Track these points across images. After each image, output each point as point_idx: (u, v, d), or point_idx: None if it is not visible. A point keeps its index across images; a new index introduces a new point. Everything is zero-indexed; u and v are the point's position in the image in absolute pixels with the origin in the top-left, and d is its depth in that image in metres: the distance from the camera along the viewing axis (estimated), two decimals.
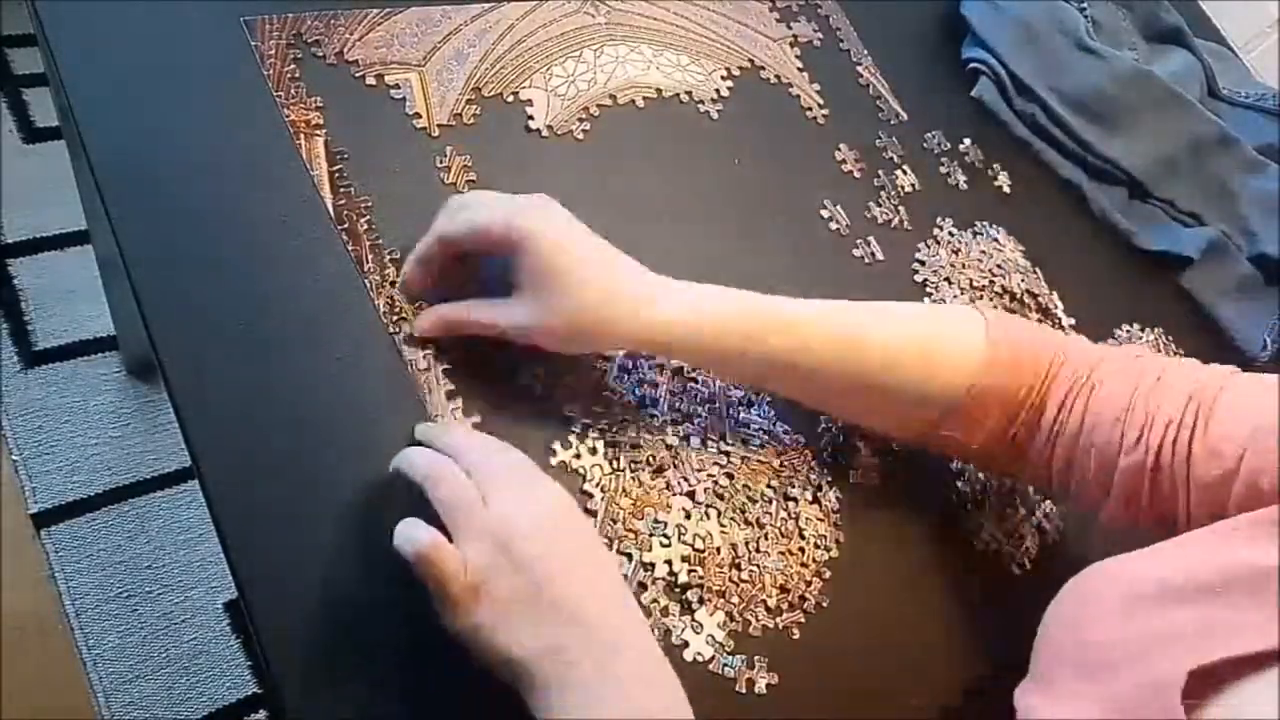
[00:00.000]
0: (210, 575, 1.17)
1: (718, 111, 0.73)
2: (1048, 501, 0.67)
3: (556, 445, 0.55)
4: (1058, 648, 0.46)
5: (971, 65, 0.88)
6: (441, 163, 0.61)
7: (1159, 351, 0.79)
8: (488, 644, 0.43)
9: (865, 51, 0.83)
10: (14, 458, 1.16)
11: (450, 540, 0.44)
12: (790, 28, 0.81)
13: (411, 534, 0.43)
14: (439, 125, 0.62)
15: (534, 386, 0.56)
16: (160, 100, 0.56)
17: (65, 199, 0.99)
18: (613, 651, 0.43)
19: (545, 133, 0.65)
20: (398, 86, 0.62)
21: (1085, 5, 0.90)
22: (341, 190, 0.57)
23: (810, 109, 0.77)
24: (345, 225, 0.56)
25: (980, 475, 0.65)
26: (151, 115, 0.55)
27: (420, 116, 0.62)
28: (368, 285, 0.55)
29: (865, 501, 0.61)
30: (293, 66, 0.60)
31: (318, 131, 0.58)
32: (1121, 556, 0.46)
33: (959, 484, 0.65)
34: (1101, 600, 0.45)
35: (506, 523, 0.44)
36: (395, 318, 0.54)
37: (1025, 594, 0.51)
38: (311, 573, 0.48)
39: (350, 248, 0.56)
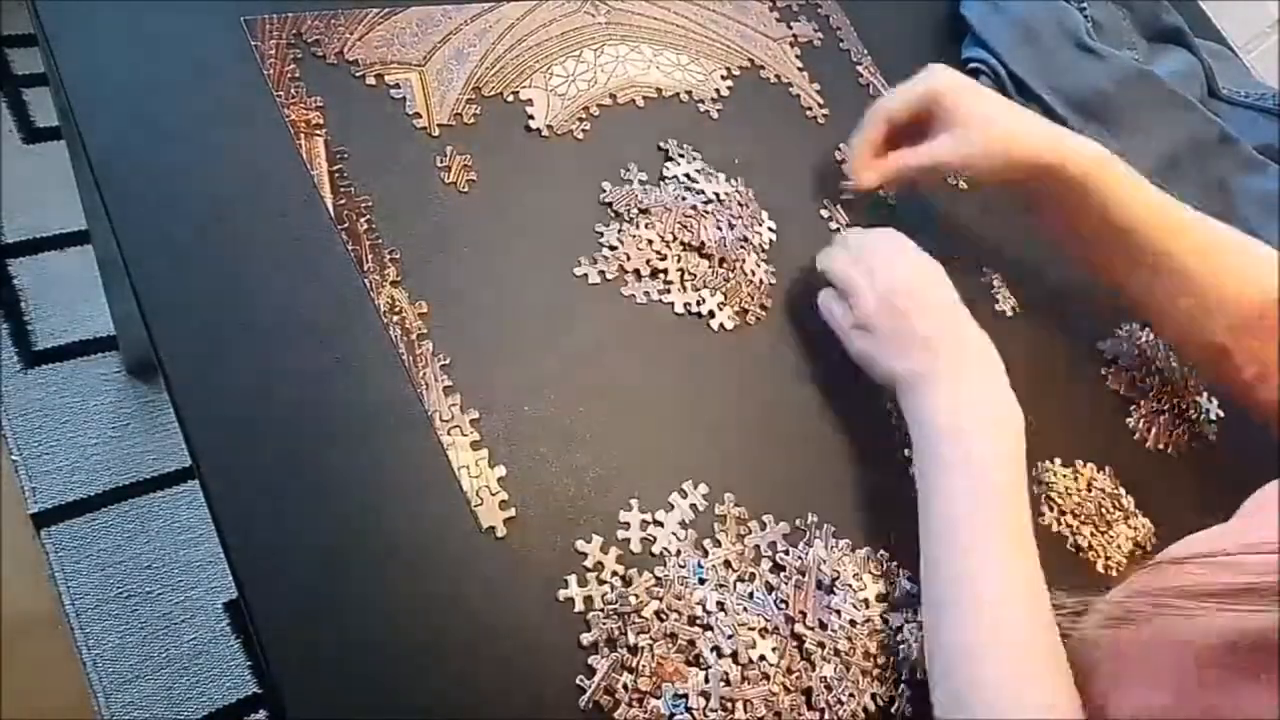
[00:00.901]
0: (210, 575, 1.17)
1: (718, 111, 0.73)
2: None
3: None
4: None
5: (971, 65, 0.88)
6: (442, 162, 0.61)
7: (1159, 351, 0.79)
8: (873, 364, 0.60)
9: (865, 51, 0.83)
10: (14, 458, 1.16)
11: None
12: (790, 27, 0.81)
13: (827, 302, 0.63)
14: (439, 125, 0.62)
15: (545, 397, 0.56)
16: (160, 100, 0.56)
17: (65, 199, 0.99)
18: (958, 368, 0.58)
19: (545, 132, 0.65)
20: (398, 86, 0.62)
21: (1085, 5, 0.90)
22: (341, 190, 0.57)
23: (810, 109, 0.77)
24: (345, 225, 0.56)
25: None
26: (151, 115, 0.56)
27: (420, 116, 0.62)
28: (368, 285, 0.55)
29: None
30: (293, 66, 0.60)
31: (318, 131, 0.58)
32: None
33: None
34: None
35: (882, 283, 0.60)
36: (395, 316, 0.54)
37: None
38: (311, 573, 0.48)
39: (350, 247, 0.56)
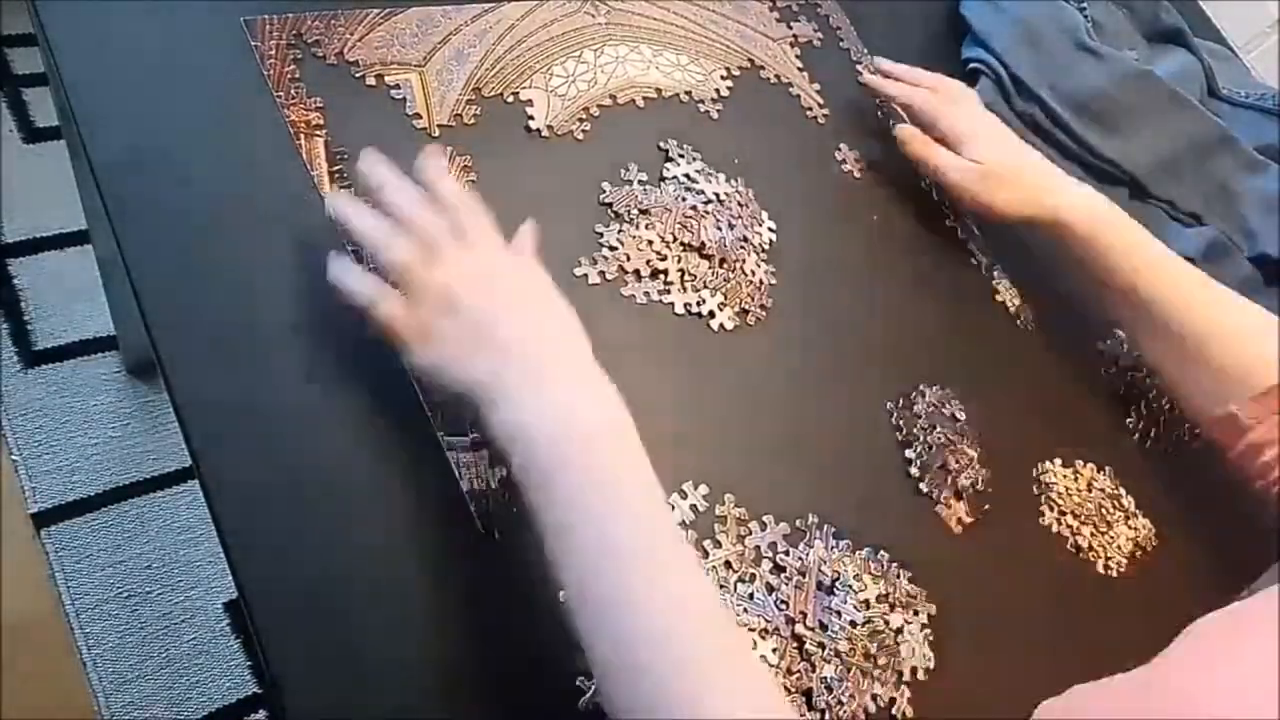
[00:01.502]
0: (210, 575, 1.17)
1: (718, 111, 0.73)
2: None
3: None
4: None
5: (971, 65, 0.88)
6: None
7: None
8: (438, 381, 0.48)
9: (865, 50, 0.83)
10: (14, 458, 1.16)
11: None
12: (790, 27, 0.81)
13: (351, 283, 0.49)
14: (439, 125, 0.62)
15: None
16: (160, 100, 0.56)
17: (65, 199, 0.99)
18: (541, 372, 0.46)
19: (545, 133, 0.65)
20: (398, 87, 0.62)
21: (1085, 5, 0.90)
22: (342, 190, 0.57)
23: (810, 109, 0.77)
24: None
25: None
26: (151, 115, 0.55)
27: (421, 117, 0.62)
28: None
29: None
30: (293, 67, 0.60)
31: (318, 132, 0.58)
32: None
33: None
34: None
35: (449, 277, 0.48)
36: None
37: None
38: (311, 573, 0.48)
39: (349, 247, 0.55)
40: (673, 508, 0.56)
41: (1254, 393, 0.62)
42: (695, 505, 0.56)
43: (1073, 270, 0.70)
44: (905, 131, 0.75)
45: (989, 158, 0.71)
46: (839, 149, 0.76)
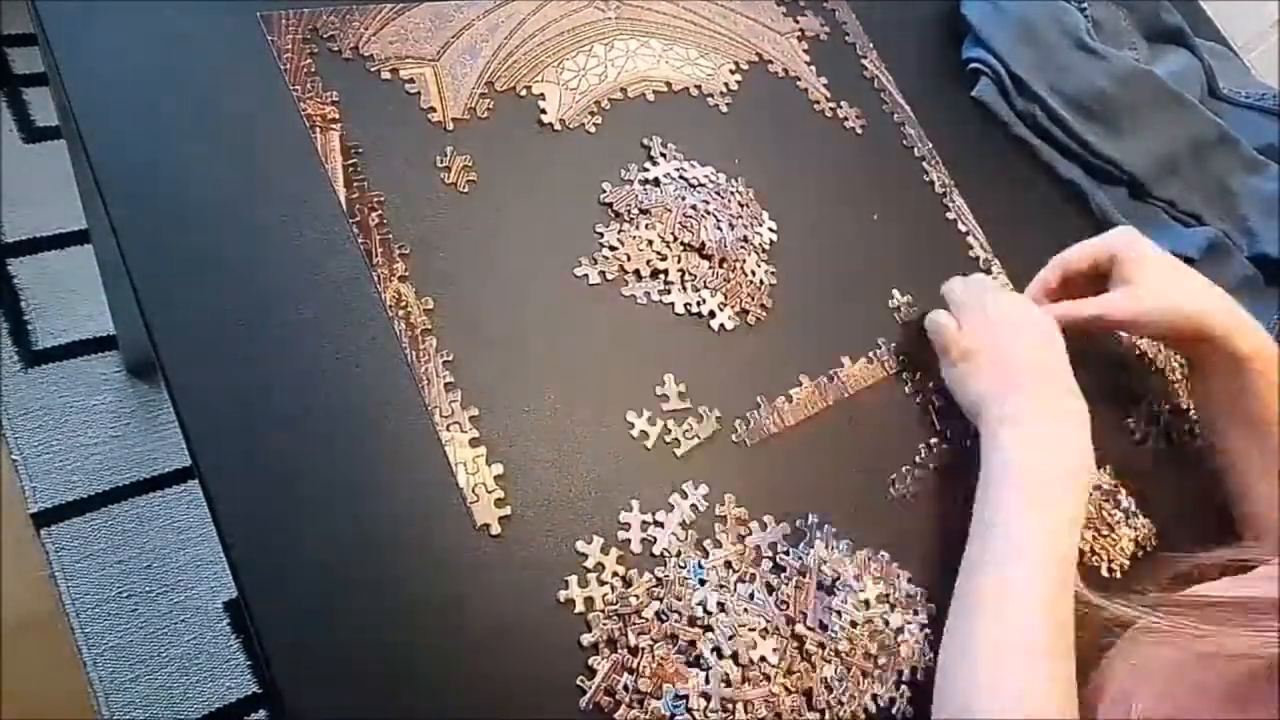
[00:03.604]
0: (210, 575, 1.17)
1: (727, 105, 0.73)
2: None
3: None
4: None
5: (972, 65, 0.88)
6: (441, 162, 0.61)
7: (1159, 351, 0.79)
8: (963, 386, 0.63)
9: (871, 45, 0.83)
10: (14, 458, 1.16)
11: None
12: (797, 21, 0.82)
13: (937, 318, 0.66)
14: (453, 119, 0.63)
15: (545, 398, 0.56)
16: (162, 98, 0.56)
17: (65, 199, 0.99)
18: (1048, 413, 0.59)
19: (558, 126, 0.66)
20: (412, 81, 0.63)
21: (1085, 5, 0.90)
22: (355, 184, 0.57)
23: (818, 102, 0.78)
24: (357, 219, 0.56)
25: None
26: (153, 114, 0.55)
27: (435, 111, 0.62)
28: (376, 279, 0.55)
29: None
30: (309, 61, 0.60)
31: (333, 125, 0.59)
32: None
33: None
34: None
35: (997, 318, 0.64)
36: (401, 311, 0.55)
37: None
38: (311, 573, 0.48)
39: (360, 241, 0.56)
40: (672, 507, 0.56)
41: None
42: (695, 505, 0.56)
43: (1216, 389, 0.69)
44: (1062, 308, 0.70)
45: (1155, 289, 0.68)
46: (842, 147, 0.76)
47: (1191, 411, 0.77)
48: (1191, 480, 0.73)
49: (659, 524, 0.55)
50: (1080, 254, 0.70)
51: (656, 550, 0.54)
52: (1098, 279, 0.70)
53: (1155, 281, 0.68)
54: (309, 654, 0.46)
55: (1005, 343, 0.62)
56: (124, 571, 1.15)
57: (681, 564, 0.54)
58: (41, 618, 1.10)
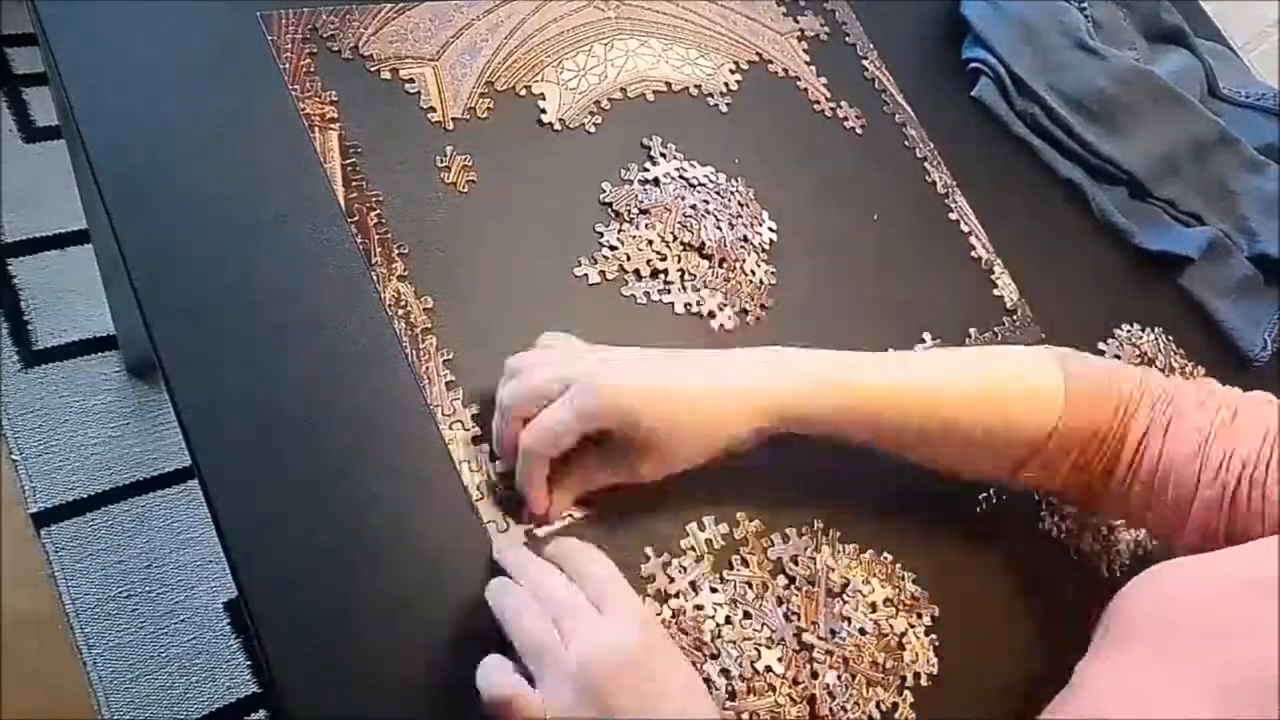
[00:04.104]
0: (210, 575, 1.17)
1: (726, 105, 0.73)
2: None
3: None
4: (1134, 625, 0.46)
5: (972, 65, 0.88)
6: (441, 162, 0.61)
7: (1159, 351, 0.79)
8: None
9: (871, 45, 0.83)
10: (14, 458, 1.16)
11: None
12: (797, 21, 0.82)
13: (492, 680, 0.44)
14: (453, 119, 0.63)
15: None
16: (163, 98, 0.56)
17: (65, 199, 0.99)
18: None
19: (558, 126, 0.66)
20: (412, 81, 0.63)
21: (1085, 5, 0.90)
22: (353, 184, 0.57)
23: (818, 102, 0.78)
24: (355, 219, 0.56)
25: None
26: (154, 113, 0.55)
27: (435, 111, 0.62)
28: (375, 278, 0.55)
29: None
30: (308, 61, 0.60)
31: (332, 125, 0.59)
32: (1204, 555, 0.48)
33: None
34: (1191, 584, 0.46)
35: (586, 668, 0.43)
36: (400, 310, 0.55)
37: None
38: (311, 573, 0.48)
39: (359, 240, 0.56)
40: (686, 535, 0.55)
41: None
42: (710, 540, 0.56)
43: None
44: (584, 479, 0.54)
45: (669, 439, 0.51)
46: (842, 147, 0.76)
47: None
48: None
49: (682, 568, 0.54)
50: (565, 441, 0.50)
51: (673, 589, 0.54)
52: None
53: (663, 437, 0.50)
54: (309, 654, 0.46)
55: (605, 703, 0.43)
56: (124, 571, 1.15)
57: (699, 602, 0.54)
58: (41, 618, 1.10)
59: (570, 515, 0.53)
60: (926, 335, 0.70)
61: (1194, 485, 0.53)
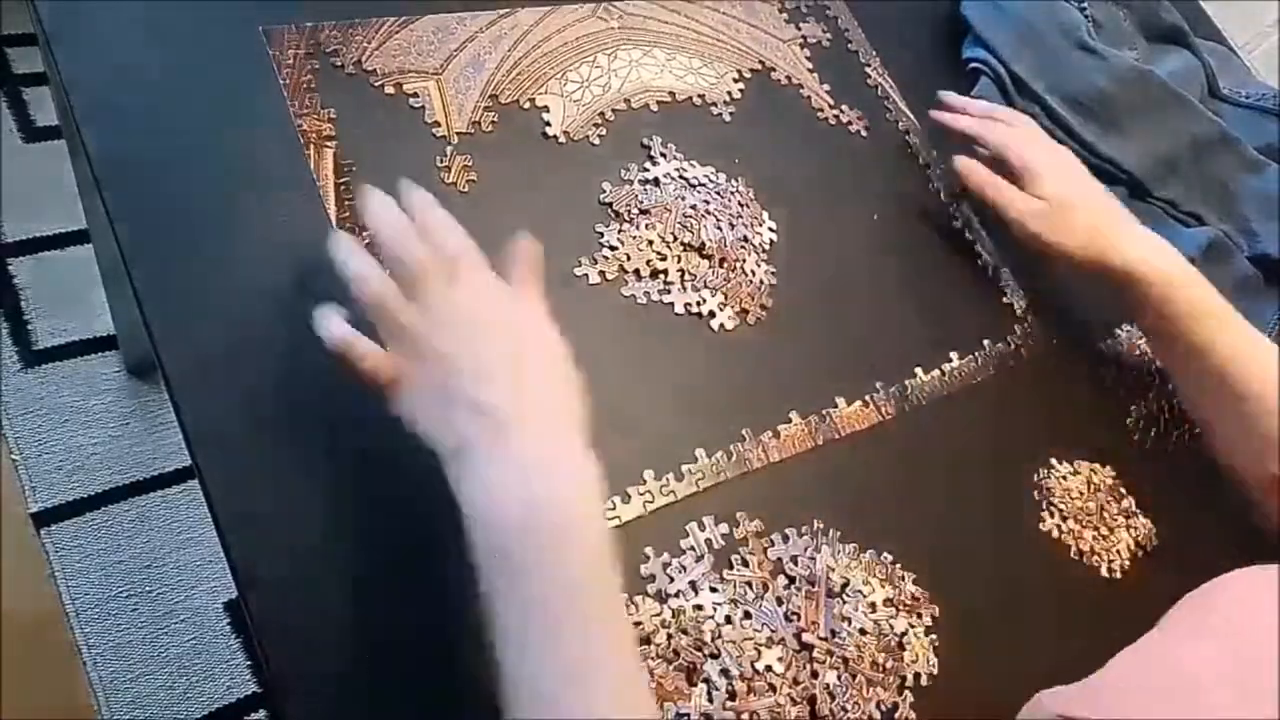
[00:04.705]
0: (210, 575, 1.17)
1: (730, 114, 0.73)
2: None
3: None
4: (1210, 619, 0.46)
5: (972, 65, 0.88)
6: (441, 162, 0.61)
7: None
8: (413, 428, 0.44)
9: (874, 52, 0.83)
10: (14, 457, 1.16)
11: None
12: (799, 28, 0.81)
13: (332, 329, 0.45)
14: (457, 133, 0.62)
15: None
16: (162, 100, 0.56)
17: (65, 199, 0.99)
18: (507, 433, 0.42)
19: (562, 138, 0.65)
20: (416, 95, 0.62)
21: (1085, 5, 0.90)
22: (347, 203, 0.57)
23: (821, 110, 0.77)
24: None
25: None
26: (153, 115, 0.55)
27: (439, 125, 0.62)
28: None
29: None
30: (309, 76, 0.60)
31: (328, 143, 0.58)
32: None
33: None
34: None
35: (424, 319, 0.44)
36: None
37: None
38: (311, 573, 0.48)
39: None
40: (686, 535, 0.56)
41: None
42: (710, 540, 0.56)
43: (1138, 319, 0.71)
44: (965, 164, 0.73)
45: (1057, 195, 0.69)
46: (845, 150, 0.76)
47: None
48: (1192, 480, 0.73)
49: (682, 567, 0.55)
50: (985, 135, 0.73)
51: (673, 589, 0.54)
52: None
53: (1062, 206, 0.68)
54: (309, 654, 0.46)
55: (437, 352, 0.44)
56: (124, 571, 1.15)
57: (699, 602, 0.54)
58: (41, 618, 1.10)
59: None
60: (954, 355, 0.70)
61: None
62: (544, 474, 0.42)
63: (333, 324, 0.45)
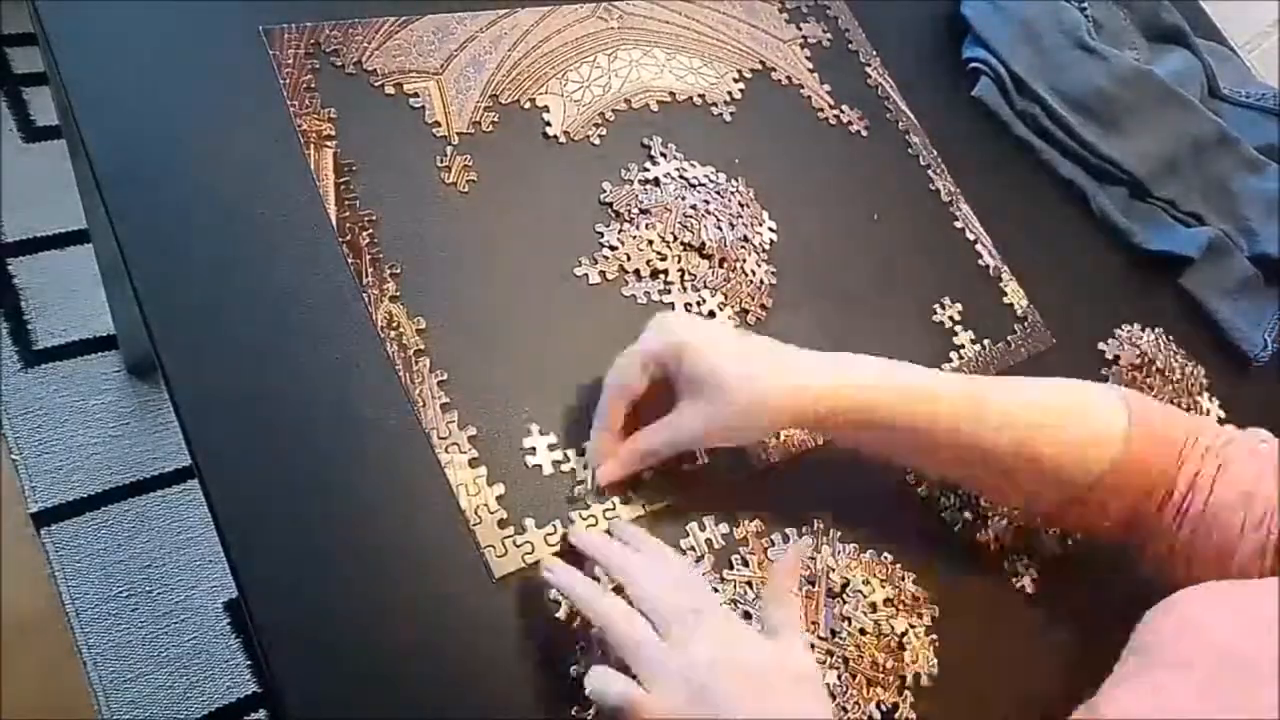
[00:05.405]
0: (210, 575, 1.17)
1: (730, 114, 0.73)
2: None
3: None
4: (1160, 650, 0.46)
5: (972, 65, 0.88)
6: (441, 162, 0.61)
7: (1159, 351, 0.79)
8: None
9: (874, 51, 0.83)
10: (14, 457, 1.16)
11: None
12: (800, 28, 0.81)
13: (609, 689, 0.44)
14: (458, 133, 0.62)
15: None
16: (162, 100, 0.56)
17: (65, 199, 0.99)
18: None
19: (563, 139, 0.65)
20: (416, 95, 0.62)
21: (1086, 5, 0.90)
22: (346, 203, 0.57)
23: (821, 110, 0.77)
24: (347, 238, 0.56)
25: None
26: (153, 115, 0.55)
27: (439, 125, 0.62)
28: (366, 299, 0.55)
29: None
30: (309, 76, 0.60)
31: (328, 143, 0.58)
32: (1232, 583, 0.49)
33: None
34: (1219, 613, 0.46)
35: (696, 668, 0.44)
36: (393, 332, 0.54)
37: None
38: (311, 573, 0.48)
39: (350, 261, 0.55)
40: (687, 535, 0.56)
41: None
42: (710, 540, 0.56)
43: (882, 448, 0.57)
44: (635, 442, 0.55)
45: (736, 387, 0.52)
46: (845, 150, 0.76)
47: (1192, 411, 0.77)
48: None
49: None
50: (630, 374, 0.53)
51: None
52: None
53: (732, 380, 0.52)
54: (309, 654, 0.46)
55: (719, 704, 0.43)
56: (124, 571, 1.15)
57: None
58: (41, 618, 1.10)
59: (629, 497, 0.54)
60: (954, 355, 0.70)
61: (1239, 531, 0.53)
62: None
63: (616, 686, 0.44)
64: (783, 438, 0.61)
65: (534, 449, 0.54)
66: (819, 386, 0.53)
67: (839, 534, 0.59)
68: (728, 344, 0.53)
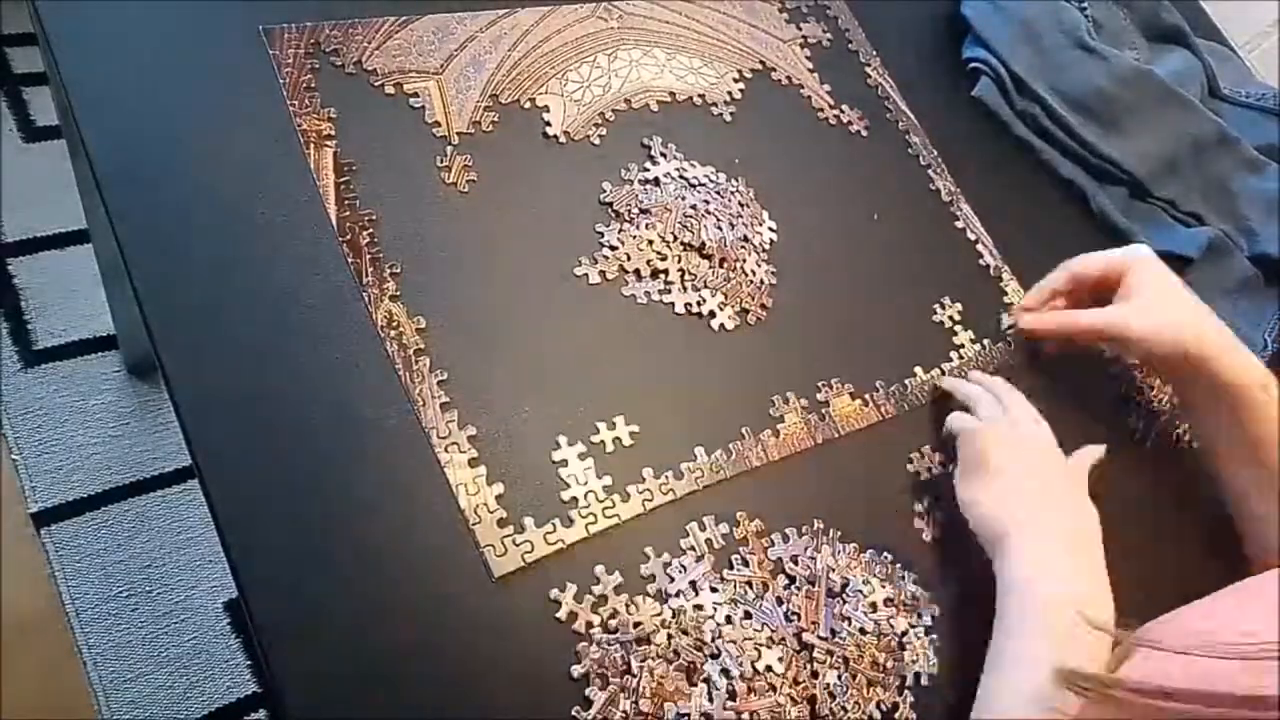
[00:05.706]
0: (210, 575, 1.17)
1: (730, 114, 0.73)
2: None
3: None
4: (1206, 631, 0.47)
5: (972, 65, 0.88)
6: (441, 162, 0.61)
7: None
8: (969, 512, 0.58)
9: (874, 52, 0.83)
10: (14, 457, 1.16)
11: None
12: (800, 28, 0.81)
13: (967, 424, 0.63)
14: (458, 133, 0.62)
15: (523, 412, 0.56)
16: (163, 99, 0.56)
17: (65, 199, 0.99)
18: (1050, 533, 0.56)
19: (563, 139, 0.65)
20: (416, 95, 0.62)
21: (1086, 5, 0.90)
22: (346, 202, 0.57)
23: (821, 110, 0.77)
24: (347, 238, 0.56)
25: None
26: (153, 115, 0.55)
27: (439, 125, 0.62)
28: (366, 299, 0.55)
29: None
30: (309, 76, 0.60)
31: (328, 142, 0.58)
32: None
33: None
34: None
35: (1018, 426, 0.62)
36: (393, 332, 0.54)
37: None
38: (311, 573, 0.48)
39: (350, 260, 0.55)
40: (687, 535, 0.56)
41: None
42: (710, 540, 0.56)
43: (1209, 421, 0.69)
44: (1065, 315, 0.71)
45: (1165, 310, 0.67)
46: (845, 150, 0.76)
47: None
48: (1191, 480, 0.73)
49: (682, 567, 0.54)
50: (1092, 264, 0.69)
51: (673, 589, 0.54)
52: (1099, 291, 0.70)
53: (1157, 302, 0.66)
54: (309, 654, 0.46)
55: (1029, 466, 0.59)
56: (124, 571, 1.15)
57: (699, 602, 0.54)
58: (41, 618, 1.10)
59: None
60: (954, 355, 0.71)
61: None
62: (1072, 582, 0.54)
63: (963, 421, 0.64)
64: (782, 437, 0.61)
65: (565, 460, 0.55)
66: (1218, 349, 0.65)
67: (839, 534, 0.59)
68: (1181, 286, 0.68)
